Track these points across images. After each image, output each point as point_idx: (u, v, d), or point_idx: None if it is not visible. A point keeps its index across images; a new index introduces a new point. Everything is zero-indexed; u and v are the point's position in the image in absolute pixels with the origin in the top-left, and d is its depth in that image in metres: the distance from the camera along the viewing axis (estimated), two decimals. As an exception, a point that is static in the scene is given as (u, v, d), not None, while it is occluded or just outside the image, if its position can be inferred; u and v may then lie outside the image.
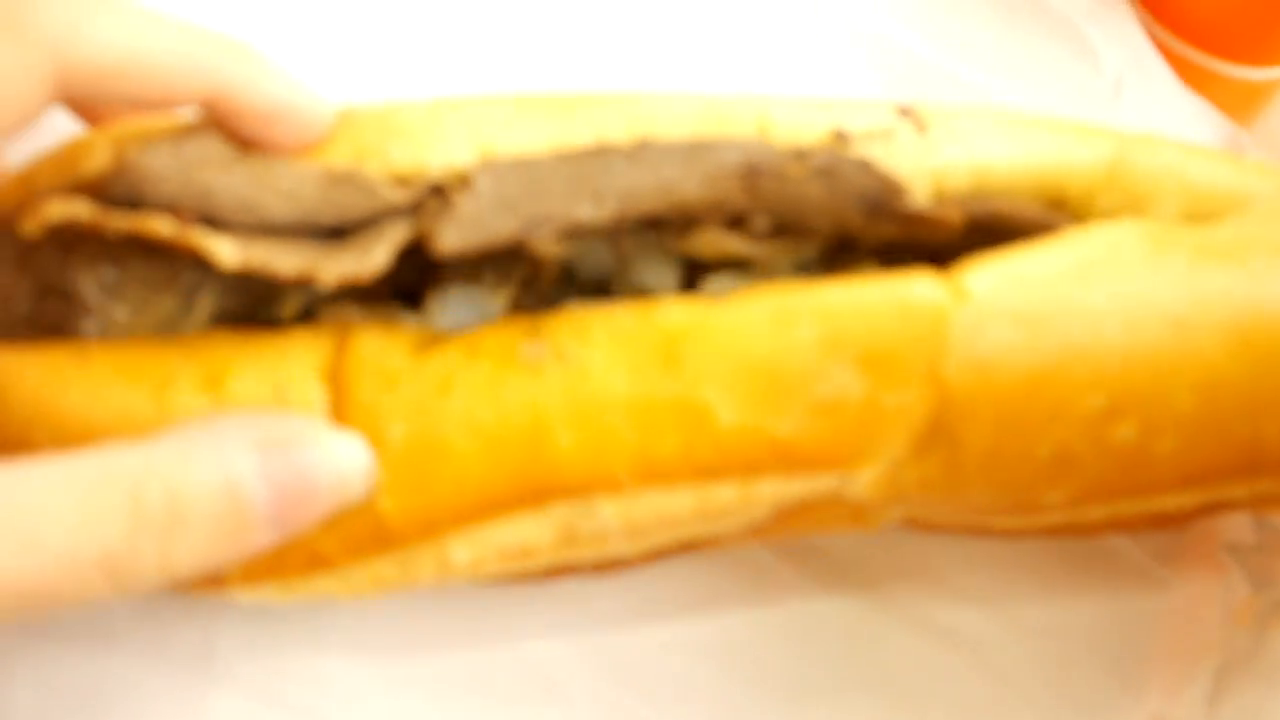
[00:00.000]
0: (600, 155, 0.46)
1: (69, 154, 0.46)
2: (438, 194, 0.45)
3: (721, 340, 0.46)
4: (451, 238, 0.45)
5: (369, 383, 0.45)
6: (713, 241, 0.48)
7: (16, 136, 0.43)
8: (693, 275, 0.50)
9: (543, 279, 0.49)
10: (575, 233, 0.46)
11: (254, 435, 0.42)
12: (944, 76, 0.65)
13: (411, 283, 0.49)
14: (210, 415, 0.44)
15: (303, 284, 0.46)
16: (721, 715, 0.57)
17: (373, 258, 0.45)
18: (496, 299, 0.49)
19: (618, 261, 0.49)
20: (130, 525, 0.39)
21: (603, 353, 0.45)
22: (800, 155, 0.47)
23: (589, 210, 0.46)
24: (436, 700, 0.56)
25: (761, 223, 0.48)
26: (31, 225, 0.43)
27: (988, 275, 0.47)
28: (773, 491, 0.48)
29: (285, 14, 0.64)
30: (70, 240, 0.45)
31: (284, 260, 0.44)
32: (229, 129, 0.46)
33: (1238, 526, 0.62)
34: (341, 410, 0.45)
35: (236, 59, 0.45)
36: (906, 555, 0.61)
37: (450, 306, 0.49)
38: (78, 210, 0.44)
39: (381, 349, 0.46)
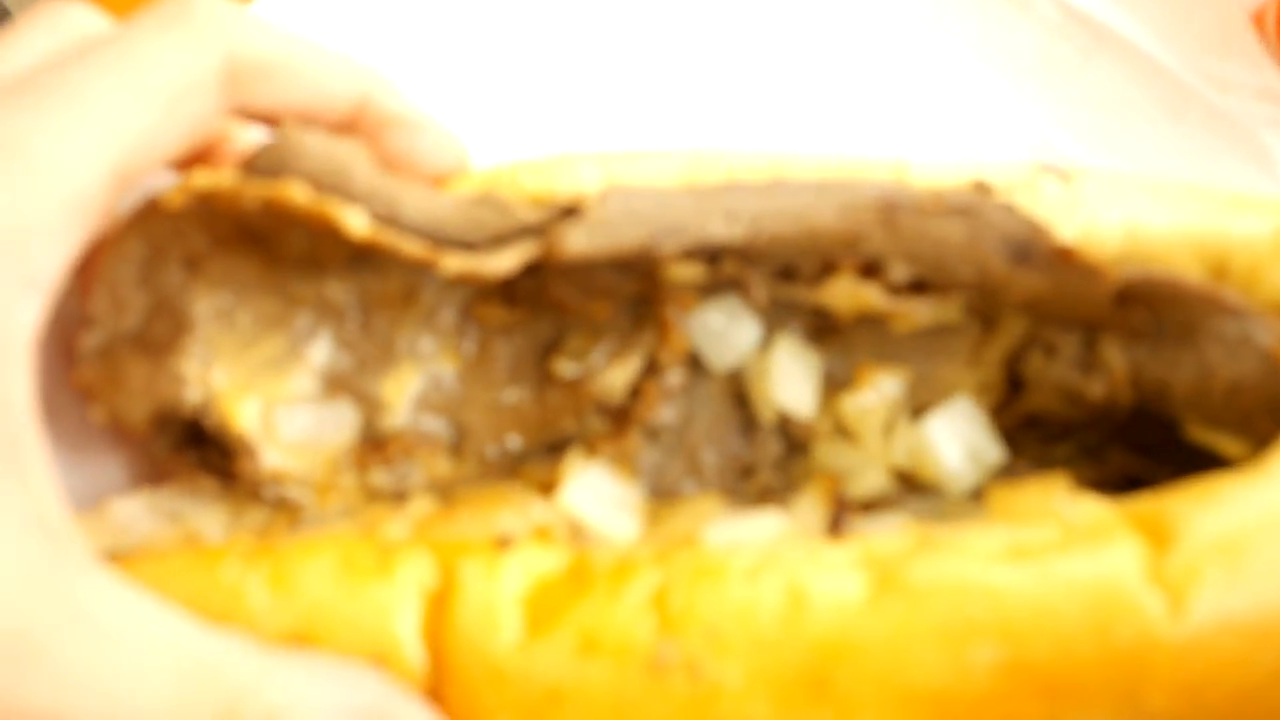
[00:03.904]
0: (732, 187, 0.45)
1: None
2: (568, 213, 0.45)
3: (880, 661, 0.38)
4: (579, 240, 0.43)
5: (472, 669, 0.41)
6: (848, 293, 0.46)
7: (194, 139, 0.44)
8: (833, 359, 0.48)
9: (670, 348, 0.47)
10: (704, 251, 0.44)
11: (363, 698, 0.40)
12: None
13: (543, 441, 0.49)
14: (330, 656, 0.41)
15: (422, 269, 0.45)
16: None
17: (498, 261, 0.44)
18: (629, 481, 0.47)
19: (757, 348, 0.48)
20: None
21: (741, 669, 0.39)
22: (939, 196, 0.45)
23: (721, 227, 0.44)
24: None
25: (900, 271, 0.45)
26: (177, 196, 0.44)
27: (1202, 542, 0.38)
28: None
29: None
30: (195, 260, 0.46)
31: (409, 244, 0.44)
32: (373, 136, 0.47)
33: None
34: (442, 685, 0.41)
35: (379, 72, 0.47)
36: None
37: (581, 485, 0.47)
38: (221, 179, 0.44)
39: (485, 618, 0.41)
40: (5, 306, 0.37)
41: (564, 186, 0.46)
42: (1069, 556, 0.39)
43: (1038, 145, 0.65)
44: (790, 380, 0.48)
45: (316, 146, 0.45)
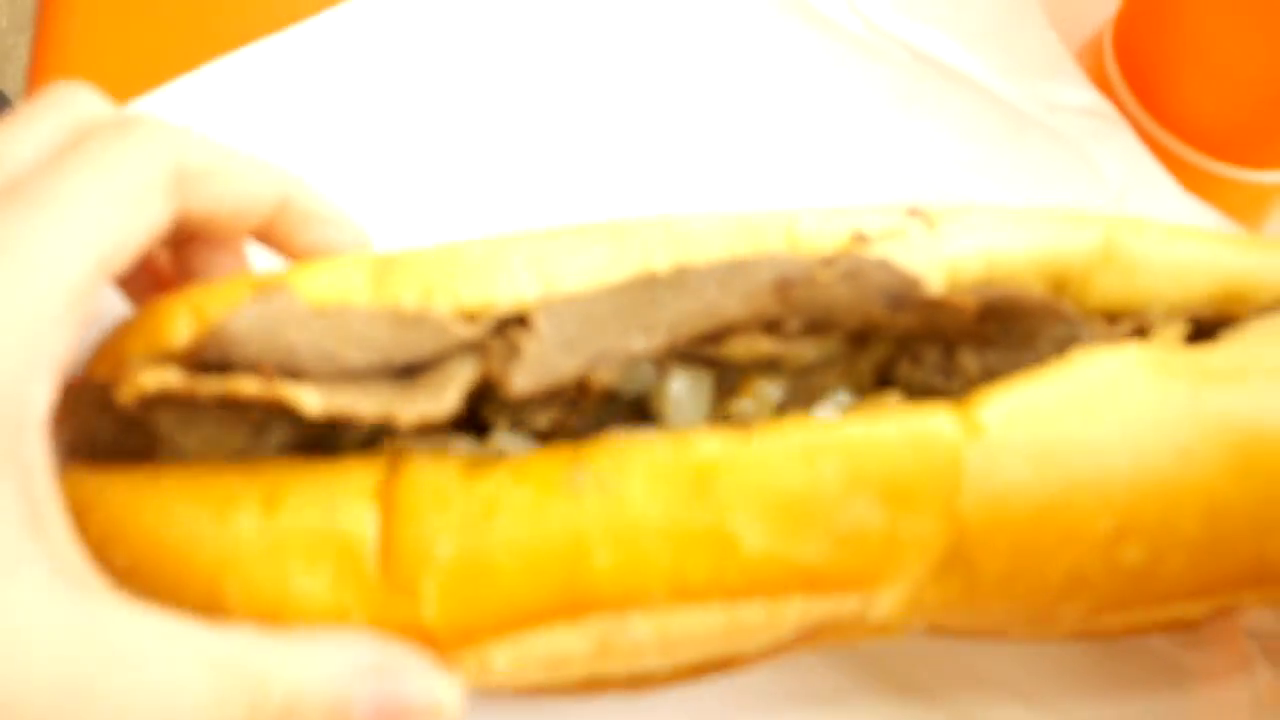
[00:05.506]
0: (646, 286, 0.52)
1: (152, 324, 0.51)
2: (501, 331, 0.50)
3: (750, 473, 0.49)
4: (522, 381, 0.49)
5: (421, 501, 0.49)
6: (747, 345, 0.53)
7: (150, 244, 0.49)
8: (723, 377, 0.55)
9: (589, 399, 0.53)
10: (629, 363, 0.51)
11: (369, 658, 0.46)
12: (958, 195, 0.71)
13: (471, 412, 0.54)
14: (331, 626, 0.47)
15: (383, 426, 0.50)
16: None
17: (445, 399, 0.49)
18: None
19: (656, 378, 0.54)
20: (246, 718, 0.43)
21: (640, 482, 0.49)
22: (827, 263, 0.52)
23: (641, 342, 0.51)
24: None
25: (794, 325, 0.53)
26: (127, 395, 0.48)
27: (999, 409, 0.51)
28: (798, 611, 0.51)
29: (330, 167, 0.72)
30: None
31: (364, 404, 0.49)
32: (290, 233, 0.54)
33: (1257, 613, 0.65)
34: (391, 529, 0.48)
35: (293, 173, 0.54)
36: (951, 659, 0.65)
37: (507, 437, 0.52)
38: (169, 379, 0.48)
39: (433, 471, 0.50)
40: (23, 386, 0.43)
41: (500, 294, 0.51)
42: (895, 414, 0.51)
43: (907, 176, 0.72)
44: (683, 410, 0.54)
45: (252, 328, 0.48)
